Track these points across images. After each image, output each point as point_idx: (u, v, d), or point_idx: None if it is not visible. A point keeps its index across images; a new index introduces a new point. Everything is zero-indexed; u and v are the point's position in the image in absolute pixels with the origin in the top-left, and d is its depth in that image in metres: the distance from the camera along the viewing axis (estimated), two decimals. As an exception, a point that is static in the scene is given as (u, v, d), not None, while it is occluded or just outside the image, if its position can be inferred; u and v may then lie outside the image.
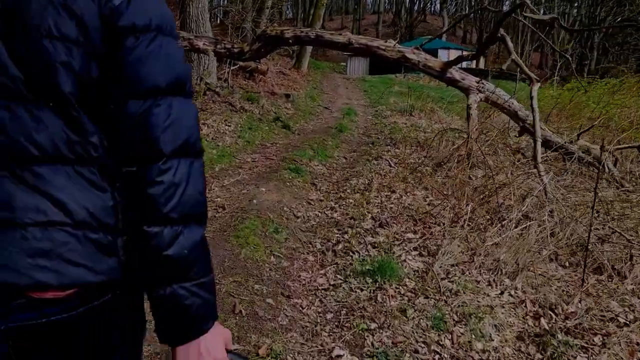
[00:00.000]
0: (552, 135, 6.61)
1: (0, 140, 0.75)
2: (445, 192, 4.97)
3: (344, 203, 4.65)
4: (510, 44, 5.59)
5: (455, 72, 6.90)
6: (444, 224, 4.01)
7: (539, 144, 4.83)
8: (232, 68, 9.83)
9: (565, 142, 6.35)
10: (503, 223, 3.90)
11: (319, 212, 4.41)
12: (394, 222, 4.02)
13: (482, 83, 6.88)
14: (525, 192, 4.66)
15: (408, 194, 5.00)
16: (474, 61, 30.11)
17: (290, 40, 7.21)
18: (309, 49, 17.30)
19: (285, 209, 4.28)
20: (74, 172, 0.80)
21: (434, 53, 16.80)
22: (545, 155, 6.53)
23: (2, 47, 0.75)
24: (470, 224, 4.00)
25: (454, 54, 22.79)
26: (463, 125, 10.84)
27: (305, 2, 33.32)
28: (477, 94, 6.85)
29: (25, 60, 0.76)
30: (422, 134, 8.84)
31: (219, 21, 17.81)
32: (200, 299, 0.84)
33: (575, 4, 36.63)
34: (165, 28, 0.84)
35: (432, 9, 48.36)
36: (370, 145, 7.60)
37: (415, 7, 45.01)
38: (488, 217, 4.20)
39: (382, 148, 7.35)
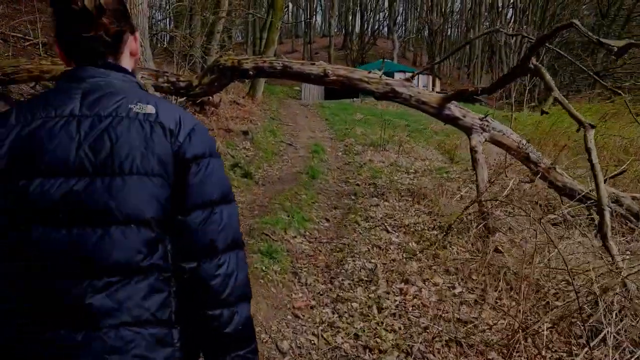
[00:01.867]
0: (572, 182, 5.46)
1: (88, 259, 0.95)
2: (476, 279, 3.64)
3: (345, 311, 3.21)
4: (549, 78, 4.41)
5: (455, 109, 5.67)
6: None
7: (607, 215, 3.58)
8: (179, 100, 8.28)
9: (589, 191, 5.20)
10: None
11: (313, 334, 2.95)
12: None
13: (487, 120, 5.68)
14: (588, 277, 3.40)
15: (427, 283, 3.63)
16: (430, 84, 29.75)
17: (251, 72, 5.79)
18: (264, 75, 15.87)
19: (262, 335, 2.80)
20: (141, 280, 0.98)
21: (391, 76, 15.90)
22: (569, 206, 5.37)
23: (100, 183, 0.97)
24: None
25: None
26: (447, 162, 9.75)
27: (255, 25, 32.05)
28: (481, 133, 5.64)
29: (117, 194, 0.97)
30: (407, 177, 7.57)
31: (163, 47, 16.19)
32: None
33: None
34: (214, 151, 1.11)
35: (380, 32, 48.28)
36: (353, 197, 6.22)
37: (367, 31, 44.73)
38: (562, 336, 2.86)
39: (368, 201, 5.99)
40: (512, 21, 40.50)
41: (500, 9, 41.45)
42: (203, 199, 1.05)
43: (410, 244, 4.49)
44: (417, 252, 4.18)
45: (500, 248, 4.21)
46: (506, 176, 6.14)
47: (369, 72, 5.72)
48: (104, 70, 1.10)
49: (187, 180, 1.04)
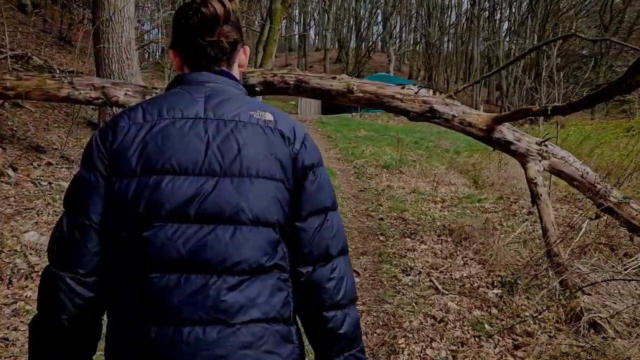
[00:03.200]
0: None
1: (221, 256, 0.98)
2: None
3: None
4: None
5: (507, 131, 4.65)
6: None
7: None
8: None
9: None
10: None
11: None
12: None
13: (546, 145, 4.66)
14: None
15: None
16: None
17: (257, 88, 4.75)
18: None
19: None
20: (267, 279, 1.02)
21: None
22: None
23: (228, 184, 1.01)
24: None
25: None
26: (472, 186, 8.73)
27: (251, 39, 31.15)
28: (540, 161, 4.62)
29: (247, 195, 1.01)
30: (436, 208, 6.52)
31: (154, 62, 15.15)
32: None
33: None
34: (322, 160, 1.15)
35: (375, 45, 47.54)
36: (381, 237, 5.15)
37: (363, 45, 44.06)
38: None
39: (400, 243, 4.93)
40: (508, 34, 40.00)
41: (498, 22, 41.00)
42: (318, 207, 1.10)
43: (473, 311, 3.43)
44: (492, 331, 3.11)
45: (599, 321, 3.16)
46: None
47: (403, 88, 4.70)
48: (219, 76, 1.14)
49: (304, 187, 1.08)
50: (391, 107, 4.68)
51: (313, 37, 61.40)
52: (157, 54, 18.67)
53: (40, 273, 3.23)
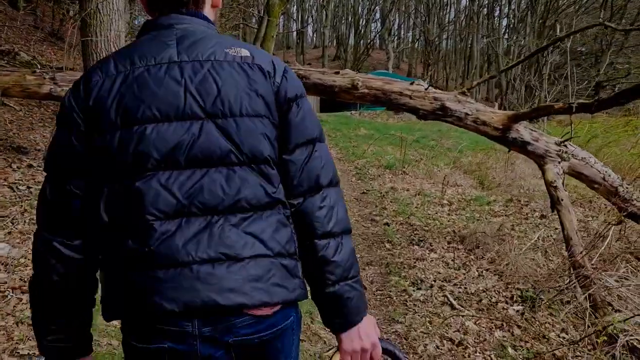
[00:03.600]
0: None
1: (218, 196, 0.98)
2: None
3: None
4: None
5: (524, 131, 4.29)
6: None
7: None
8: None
9: None
10: None
11: None
12: None
13: (566, 145, 4.30)
14: None
15: None
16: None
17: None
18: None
19: None
20: (269, 215, 1.03)
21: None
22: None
23: (213, 126, 1.00)
24: None
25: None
26: (479, 187, 8.37)
27: (245, 35, 30.70)
28: (559, 162, 4.27)
29: (234, 135, 1.00)
30: (444, 212, 6.17)
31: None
32: (357, 292, 1.10)
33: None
34: (304, 91, 1.13)
35: (373, 43, 47.02)
36: (387, 245, 4.79)
37: (361, 42, 43.60)
38: None
39: (408, 251, 4.57)
40: (507, 30, 39.62)
41: (497, 19, 40.68)
42: (305, 137, 1.08)
43: (494, 332, 3.07)
44: (517, 357, 2.76)
45: (638, 345, 2.81)
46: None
47: (412, 84, 4.33)
48: (188, 17, 1.10)
49: (289, 119, 1.07)
50: (399, 105, 4.32)
51: (311, 35, 60.97)
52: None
53: (6, 291, 2.70)
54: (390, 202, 6.57)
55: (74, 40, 7.46)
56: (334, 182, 1.12)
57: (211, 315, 0.96)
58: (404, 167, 8.79)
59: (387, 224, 5.54)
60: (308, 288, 1.10)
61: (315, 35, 59.38)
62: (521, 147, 4.29)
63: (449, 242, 4.81)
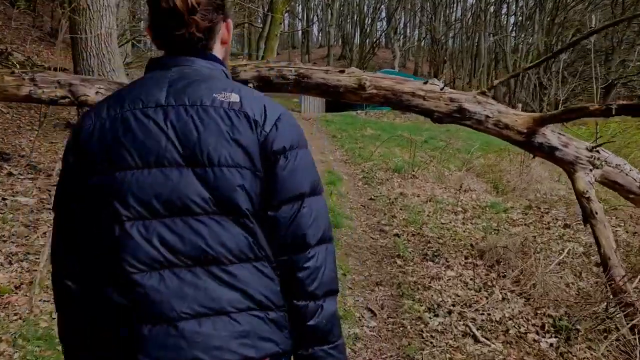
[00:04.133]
0: None
1: (201, 248, 0.95)
2: None
3: None
4: None
5: (552, 135, 3.84)
6: None
7: None
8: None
9: None
10: None
11: None
12: None
13: (598, 151, 3.85)
14: None
15: None
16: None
17: (251, 84, 3.96)
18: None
19: None
20: (253, 268, 0.99)
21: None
22: None
23: (191, 174, 0.96)
24: None
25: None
26: (493, 192, 7.90)
27: (251, 36, 30.30)
28: (591, 170, 3.81)
29: (211, 184, 0.96)
30: (459, 220, 5.72)
31: (147, 51, 14.30)
32: (333, 358, 1.06)
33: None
34: (302, 142, 1.07)
35: (379, 42, 46.41)
36: (398, 260, 4.36)
37: (367, 41, 43.05)
38: None
39: (421, 268, 4.14)
40: (515, 28, 38.96)
41: (505, 16, 40.05)
42: (292, 193, 1.02)
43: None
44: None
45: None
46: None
47: (425, 84, 3.89)
48: (190, 57, 1.09)
49: (275, 173, 1.01)
50: (411, 107, 3.88)
51: (316, 34, 60.57)
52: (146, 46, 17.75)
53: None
54: (400, 209, 6.12)
55: (69, 39, 7.06)
56: (324, 239, 1.06)
57: None
58: (414, 171, 8.34)
59: (397, 234, 5.10)
60: None
61: (320, 34, 58.95)
62: (548, 153, 3.84)
63: (466, 257, 4.37)
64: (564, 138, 3.87)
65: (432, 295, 3.58)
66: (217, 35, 1.13)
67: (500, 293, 3.60)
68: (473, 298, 3.54)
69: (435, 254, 4.44)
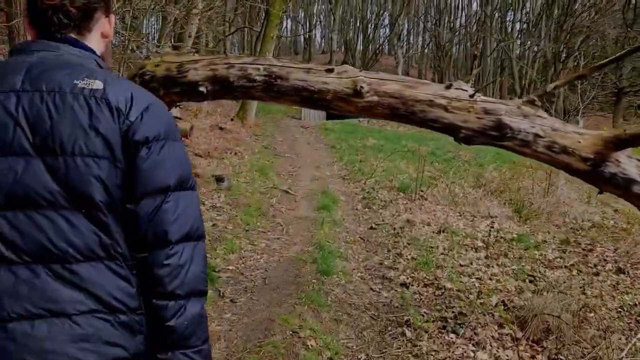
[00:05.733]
0: None
1: (42, 244, 0.89)
2: None
3: None
4: None
5: (628, 162, 2.68)
6: None
7: None
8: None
9: None
10: None
11: None
12: None
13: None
14: None
15: None
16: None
17: (203, 88, 2.82)
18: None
19: None
20: (103, 267, 0.93)
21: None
22: None
23: (40, 164, 0.91)
24: None
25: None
26: (515, 217, 6.69)
27: (251, 39, 29.25)
28: (683, 213, 2.64)
29: (62, 175, 0.91)
30: (479, 261, 4.56)
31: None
32: None
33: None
34: (171, 132, 1.02)
35: (382, 48, 45.29)
36: (408, 331, 3.18)
37: (370, 47, 42.01)
38: None
39: (441, 346, 2.97)
40: (521, 35, 37.81)
41: (510, 23, 38.94)
42: (154, 186, 0.98)
43: None
44: None
45: None
46: None
47: (448, 88, 2.74)
48: (57, 44, 1.04)
49: (136, 164, 0.96)
50: (427, 121, 2.72)
51: (319, 40, 59.67)
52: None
53: None
54: (408, 244, 4.96)
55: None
56: (190, 236, 1.01)
57: None
58: (422, 191, 7.17)
59: (405, 284, 3.93)
60: None
61: (323, 40, 58.04)
62: (624, 188, 2.67)
63: (500, 326, 3.20)
64: (645, 166, 2.71)
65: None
66: (94, 23, 1.09)
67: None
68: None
69: (458, 320, 3.27)
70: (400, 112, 2.72)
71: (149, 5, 7.56)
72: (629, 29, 28.53)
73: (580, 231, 6.18)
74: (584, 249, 4.96)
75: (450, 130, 2.73)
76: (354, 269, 4.27)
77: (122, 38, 6.46)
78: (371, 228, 5.60)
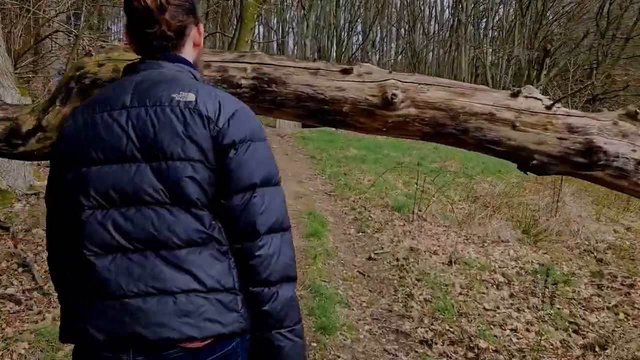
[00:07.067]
0: None
1: (150, 233, 1.03)
2: None
3: None
4: None
5: None
6: None
7: None
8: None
9: None
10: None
11: None
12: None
13: None
14: None
15: None
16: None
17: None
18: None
19: None
20: (201, 252, 1.06)
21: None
22: None
23: (147, 168, 1.05)
24: None
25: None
26: (525, 239, 5.94)
27: (223, 44, 28.19)
28: None
29: (164, 176, 1.04)
30: (503, 299, 3.80)
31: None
32: (291, 341, 1.11)
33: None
34: (255, 134, 1.12)
35: (355, 55, 44.84)
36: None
37: (343, 55, 41.39)
38: None
39: None
40: (493, 42, 37.84)
41: (484, 30, 38.99)
42: (242, 184, 1.08)
43: None
44: None
45: None
46: None
47: (515, 96, 1.94)
48: (158, 61, 1.17)
49: (226, 165, 1.08)
50: (485, 142, 1.93)
51: (292, 47, 58.89)
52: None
53: None
54: (417, 280, 4.16)
55: None
56: (276, 229, 1.11)
57: (142, 347, 1.00)
58: (420, 210, 6.40)
59: (427, 342, 3.12)
60: None
61: (296, 47, 57.28)
62: None
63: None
64: None
65: None
66: (187, 38, 1.22)
67: None
68: None
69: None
70: (448, 130, 1.92)
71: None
72: (601, 37, 28.75)
73: (595, 253, 5.54)
74: (622, 284, 4.26)
75: (517, 156, 1.93)
76: (359, 320, 3.44)
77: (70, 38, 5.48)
78: (370, 258, 4.78)
